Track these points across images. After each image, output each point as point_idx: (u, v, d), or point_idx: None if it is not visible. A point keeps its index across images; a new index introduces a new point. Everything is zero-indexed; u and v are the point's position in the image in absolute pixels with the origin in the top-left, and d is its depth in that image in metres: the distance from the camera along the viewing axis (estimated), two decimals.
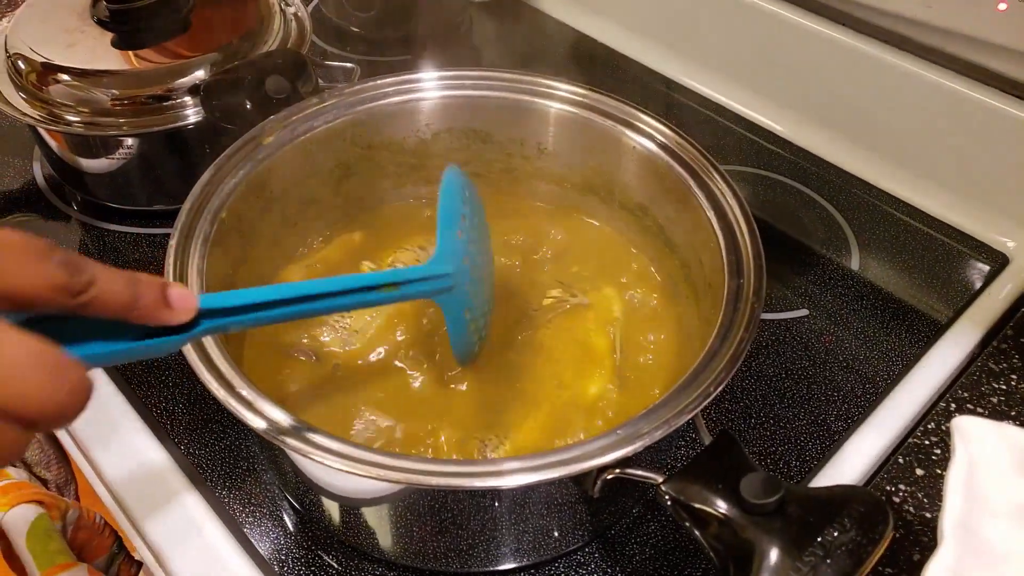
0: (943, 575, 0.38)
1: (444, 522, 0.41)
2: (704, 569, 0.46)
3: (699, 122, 0.77)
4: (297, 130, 0.52)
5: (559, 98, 0.54)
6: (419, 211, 0.59)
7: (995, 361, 0.54)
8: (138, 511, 0.48)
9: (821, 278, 0.63)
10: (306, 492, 0.45)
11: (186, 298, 0.31)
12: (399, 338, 0.50)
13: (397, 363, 0.49)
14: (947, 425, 0.47)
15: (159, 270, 0.42)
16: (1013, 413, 0.51)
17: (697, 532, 0.34)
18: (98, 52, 0.60)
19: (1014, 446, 0.42)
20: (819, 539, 0.32)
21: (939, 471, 0.48)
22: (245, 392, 0.37)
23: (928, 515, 0.47)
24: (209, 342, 0.39)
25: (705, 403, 0.37)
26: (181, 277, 0.42)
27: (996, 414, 0.51)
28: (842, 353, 0.58)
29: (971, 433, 0.42)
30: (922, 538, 0.46)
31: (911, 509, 0.47)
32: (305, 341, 0.49)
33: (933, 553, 0.39)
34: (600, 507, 0.45)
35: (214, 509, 0.48)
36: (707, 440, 0.37)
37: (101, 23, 0.61)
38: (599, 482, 0.38)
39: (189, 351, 0.38)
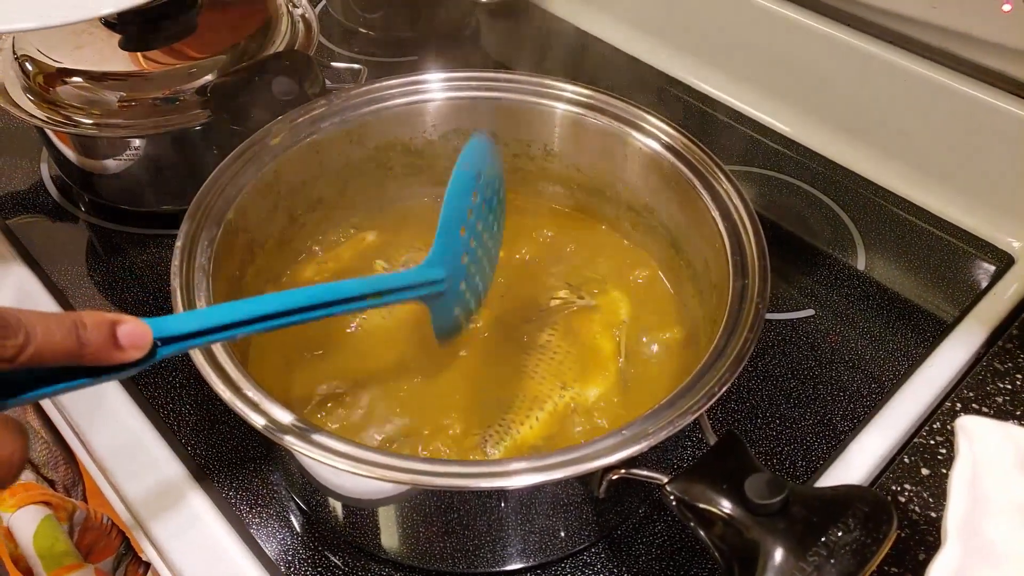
0: (947, 575, 0.38)
1: (450, 522, 0.41)
2: (710, 569, 0.46)
3: (705, 122, 0.77)
4: (304, 131, 0.52)
5: (565, 99, 0.54)
6: (430, 211, 0.59)
7: (1000, 361, 0.54)
8: (145, 512, 0.48)
9: (827, 278, 0.63)
10: (312, 493, 0.46)
11: (137, 336, 0.29)
12: (404, 334, 0.50)
13: (402, 360, 0.49)
14: (952, 425, 0.47)
15: (167, 271, 0.42)
16: (1018, 413, 0.51)
17: (702, 532, 0.34)
18: (106, 54, 0.60)
19: (1018, 446, 0.42)
20: (823, 539, 0.32)
21: (945, 471, 0.48)
22: (251, 393, 0.37)
23: (934, 515, 0.47)
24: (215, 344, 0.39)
25: (709, 404, 0.37)
26: (187, 278, 0.42)
27: (1001, 413, 0.51)
28: (848, 353, 0.58)
29: (975, 433, 0.42)
30: (928, 538, 0.46)
31: (917, 509, 0.47)
32: (318, 349, 0.50)
33: (937, 553, 0.39)
34: (606, 507, 0.45)
35: (221, 510, 0.48)
36: (712, 440, 0.37)
37: (109, 25, 0.62)
38: (604, 482, 0.38)
39: (196, 354, 0.38)
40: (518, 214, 0.58)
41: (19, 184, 0.71)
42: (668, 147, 0.51)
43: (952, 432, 0.49)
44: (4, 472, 0.27)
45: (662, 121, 0.52)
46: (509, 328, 0.51)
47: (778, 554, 0.32)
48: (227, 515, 0.48)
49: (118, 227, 0.67)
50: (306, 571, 0.46)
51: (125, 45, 0.61)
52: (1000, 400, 0.52)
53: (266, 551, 0.47)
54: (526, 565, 0.46)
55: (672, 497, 0.35)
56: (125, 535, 0.63)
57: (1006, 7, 0.59)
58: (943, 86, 0.65)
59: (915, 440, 0.50)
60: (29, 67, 0.61)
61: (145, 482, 0.50)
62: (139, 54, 0.60)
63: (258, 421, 0.36)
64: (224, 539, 0.47)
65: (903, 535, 0.46)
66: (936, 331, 0.59)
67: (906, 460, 0.49)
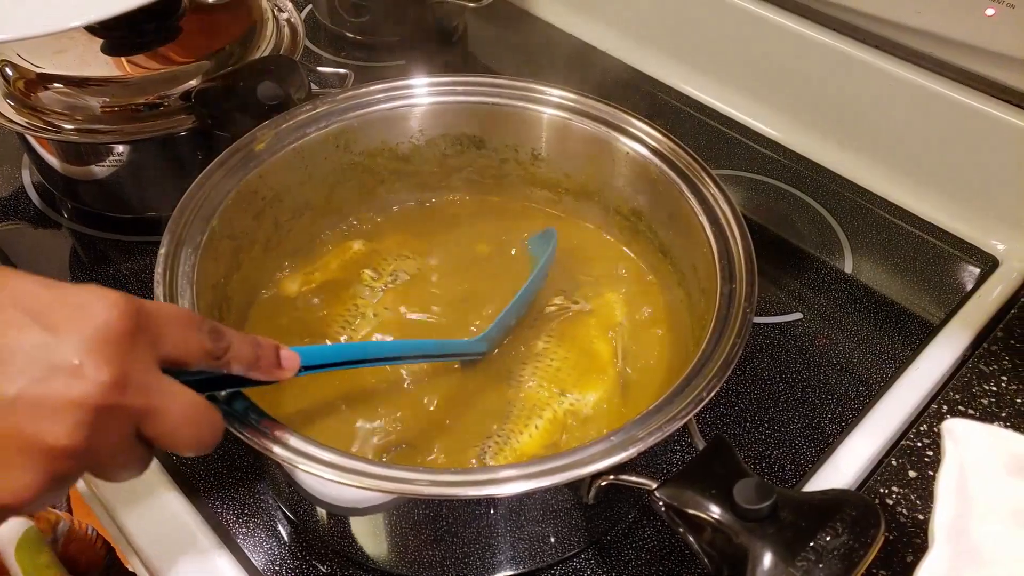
0: None
1: (439, 531, 0.41)
2: (699, 574, 0.46)
3: (693, 126, 0.77)
4: (290, 136, 0.51)
5: (552, 104, 0.54)
6: (416, 216, 0.58)
7: (986, 363, 0.55)
8: (131, 522, 0.48)
9: (814, 281, 0.64)
10: (299, 502, 0.45)
11: (293, 359, 0.37)
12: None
13: (397, 372, 0.48)
14: (939, 427, 0.47)
15: (150, 278, 0.42)
16: (1003, 414, 0.51)
17: (691, 538, 0.34)
18: (88, 58, 0.59)
19: (1004, 449, 0.42)
20: (812, 544, 0.32)
21: (932, 473, 0.49)
22: (237, 403, 0.37)
23: (921, 517, 0.47)
24: None
25: (698, 409, 0.37)
26: (171, 285, 0.42)
27: (987, 415, 0.51)
28: (835, 355, 0.58)
29: (962, 436, 0.42)
30: (915, 540, 0.46)
31: (904, 511, 0.47)
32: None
33: (924, 556, 0.39)
34: (595, 513, 0.45)
35: (207, 519, 0.48)
36: (701, 445, 0.37)
37: (90, 29, 0.61)
38: (593, 488, 0.38)
39: None
40: (509, 219, 0.58)
41: (0, 191, 0.70)
42: (655, 151, 0.51)
43: (939, 434, 0.49)
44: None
45: (649, 125, 0.52)
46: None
47: (767, 559, 0.32)
48: (213, 524, 0.47)
49: (101, 234, 0.66)
50: None
51: (108, 50, 0.60)
52: (986, 402, 0.52)
53: (253, 561, 0.46)
54: (515, 572, 0.45)
55: (661, 503, 0.35)
56: (110, 546, 0.63)
57: (989, 11, 0.60)
58: (929, 90, 0.66)
59: (902, 442, 0.51)
60: (9, 72, 0.60)
61: (130, 492, 0.49)
62: (122, 59, 0.60)
63: (244, 431, 0.36)
64: (211, 549, 0.46)
65: (891, 538, 0.46)
66: (922, 333, 0.59)
67: (893, 462, 0.50)
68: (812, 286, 0.63)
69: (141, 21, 0.60)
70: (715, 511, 0.34)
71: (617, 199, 0.55)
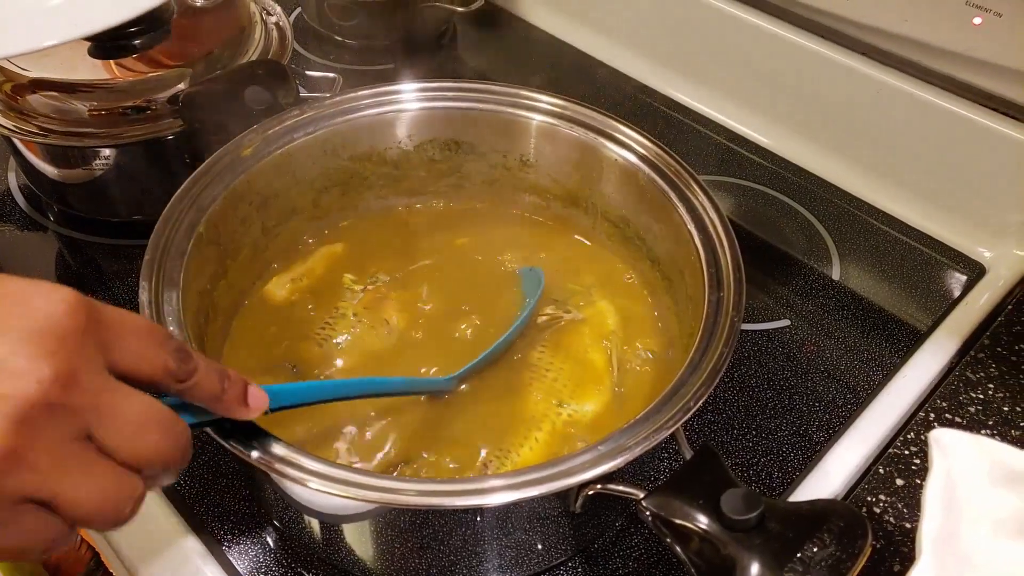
0: None
1: (425, 539, 0.41)
2: None
3: (681, 132, 0.77)
4: (277, 141, 0.51)
5: (540, 110, 0.54)
6: (402, 221, 0.58)
7: (972, 370, 0.55)
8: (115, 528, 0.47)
9: (803, 288, 0.64)
10: (285, 510, 0.45)
11: (261, 399, 0.34)
12: (395, 360, 0.49)
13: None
14: (926, 435, 0.47)
15: (136, 283, 0.42)
16: (990, 422, 0.52)
17: (678, 548, 0.34)
18: (75, 62, 0.59)
19: (991, 458, 0.42)
20: (799, 555, 0.32)
21: (919, 481, 0.49)
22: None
23: (908, 525, 0.47)
24: None
25: (685, 418, 0.37)
26: (156, 292, 0.41)
27: (974, 423, 0.52)
28: (823, 362, 0.58)
29: (949, 445, 0.42)
30: (902, 548, 0.46)
31: (891, 520, 0.47)
32: (289, 364, 0.49)
33: (912, 566, 0.39)
34: (582, 521, 0.44)
35: (192, 527, 0.47)
36: (688, 454, 0.37)
37: None
38: (580, 498, 0.38)
39: None
40: (496, 225, 0.58)
41: None
42: (643, 158, 0.51)
43: (926, 442, 0.49)
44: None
45: (637, 132, 0.52)
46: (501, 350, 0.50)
47: (754, 569, 0.32)
48: (199, 532, 0.47)
49: (88, 238, 0.65)
50: None
51: (95, 53, 0.60)
52: (972, 410, 0.52)
53: (238, 568, 0.46)
54: None
55: (648, 513, 0.35)
56: (95, 551, 0.62)
57: (976, 20, 0.60)
58: (917, 98, 0.66)
59: (889, 450, 0.51)
60: None
61: None
62: (110, 62, 0.59)
63: (229, 440, 0.35)
64: (196, 556, 0.46)
65: (878, 546, 0.46)
66: (910, 340, 0.60)
67: (881, 471, 0.50)
68: (800, 293, 0.63)
69: (129, 24, 0.60)
70: (702, 521, 0.33)
71: (605, 206, 0.55)
